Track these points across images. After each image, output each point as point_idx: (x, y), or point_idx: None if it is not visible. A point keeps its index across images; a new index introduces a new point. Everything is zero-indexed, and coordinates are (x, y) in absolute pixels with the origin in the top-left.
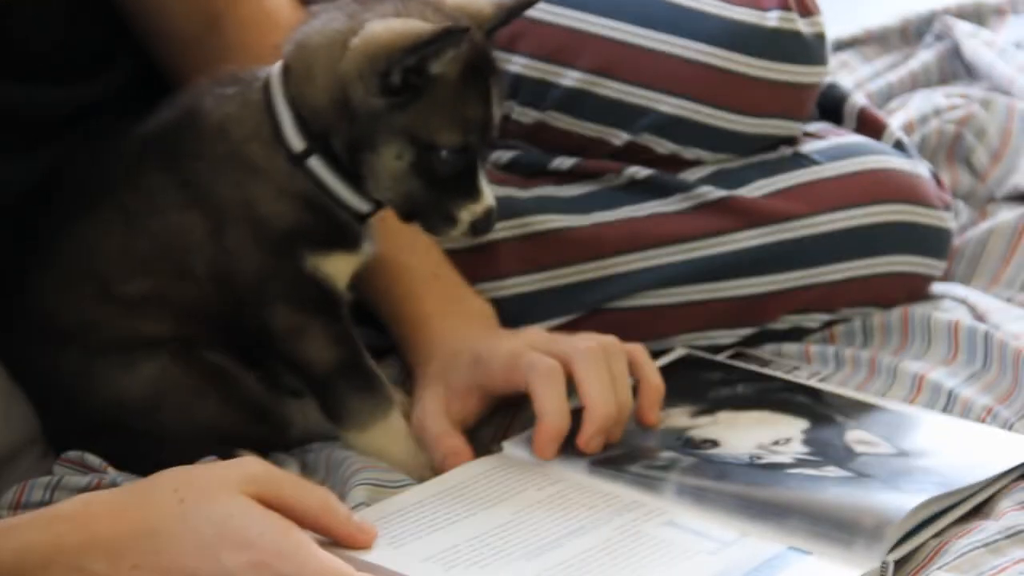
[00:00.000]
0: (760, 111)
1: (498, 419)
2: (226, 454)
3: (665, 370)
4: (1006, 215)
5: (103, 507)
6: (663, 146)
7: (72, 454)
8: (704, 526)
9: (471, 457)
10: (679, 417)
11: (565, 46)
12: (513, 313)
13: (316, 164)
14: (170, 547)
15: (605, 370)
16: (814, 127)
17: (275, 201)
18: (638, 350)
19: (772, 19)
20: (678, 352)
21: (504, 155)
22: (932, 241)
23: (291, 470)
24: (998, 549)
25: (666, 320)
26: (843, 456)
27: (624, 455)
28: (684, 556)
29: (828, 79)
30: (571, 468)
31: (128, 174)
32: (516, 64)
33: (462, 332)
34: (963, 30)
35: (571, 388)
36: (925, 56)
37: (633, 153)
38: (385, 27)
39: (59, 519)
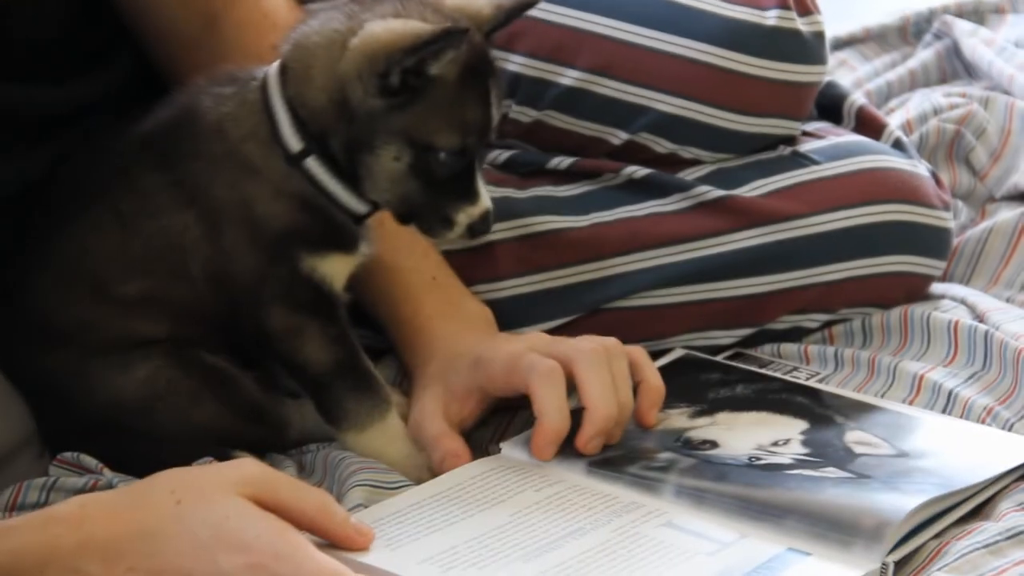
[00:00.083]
0: (759, 110)
1: (496, 421)
2: (223, 455)
3: (664, 371)
4: (1006, 214)
5: (99, 508)
6: (661, 145)
7: (68, 455)
8: (703, 527)
9: (469, 458)
10: (678, 418)
11: (563, 45)
12: (511, 314)
13: (313, 164)
14: (166, 549)
15: (606, 371)
16: (813, 126)
17: (272, 201)
18: (638, 351)
19: (771, 18)
20: (677, 353)
21: (501, 154)
22: (931, 241)
23: (288, 471)
24: (998, 550)
25: (665, 320)
26: (842, 457)
27: (623, 456)
28: (683, 557)
29: (827, 78)
30: (569, 469)
31: (124, 174)
32: (514, 63)
33: (461, 335)
34: (962, 29)
35: (570, 389)
36: (924, 55)
37: (631, 152)
38: (384, 27)
39: (55, 520)
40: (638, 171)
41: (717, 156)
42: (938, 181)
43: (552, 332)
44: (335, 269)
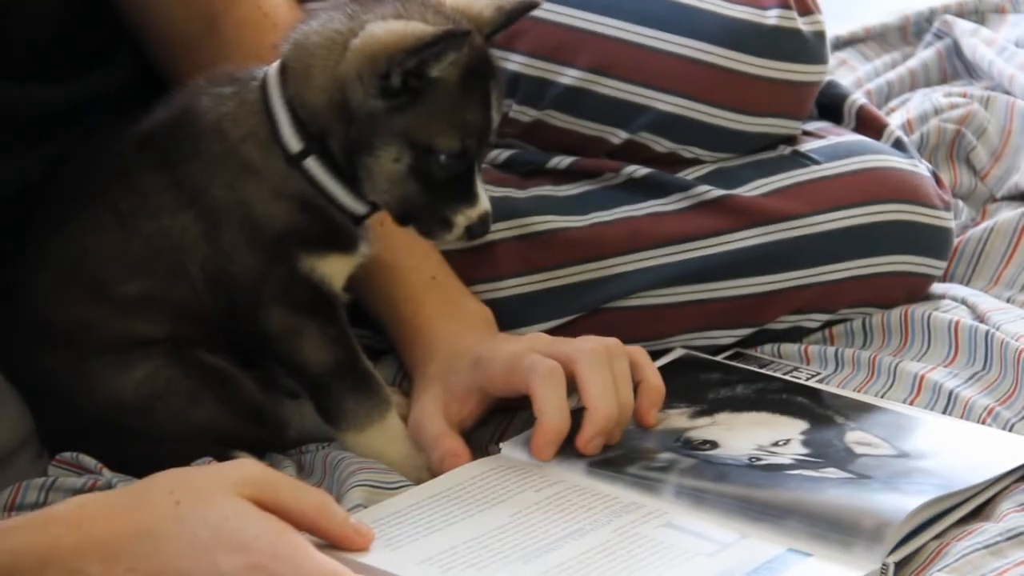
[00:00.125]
0: (759, 110)
1: (496, 421)
2: (222, 455)
3: (664, 371)
4: (1006, 214)
5: (99, 509)
6: (661, 145)
7: (67, 455)
8: (703, 528)
9: (469, 458)
10: (678, 418)
11: (564, 44)
12: (511, 314)
13: (313, 165)
14: (166, 549)
15: (608, 371)
16: (813, 126)
17: (271, 202)
18: (638, 351)
19: (772, 17)
20: (677, 353)
21: (501, 154)
22: (932, 241)
23: (288, 471)
24: (999, 551)
25: (665, 320)
26: (843, 457)
27: (623, 456)
28: (683, 558)
29: (827, 78)
30: (569, 469)
31: (124, 174)
32: (514, 62)
33: (462, 335)
34: (963, 28)
35: (569, 389)
36: (925, 55)
37: (631, 152)
38: (386, 29)
39: (54, 521)
40: (638, 170)
41: (717, 156)
42: (939, 181)
43: (552, 332)
44: (334, 269)
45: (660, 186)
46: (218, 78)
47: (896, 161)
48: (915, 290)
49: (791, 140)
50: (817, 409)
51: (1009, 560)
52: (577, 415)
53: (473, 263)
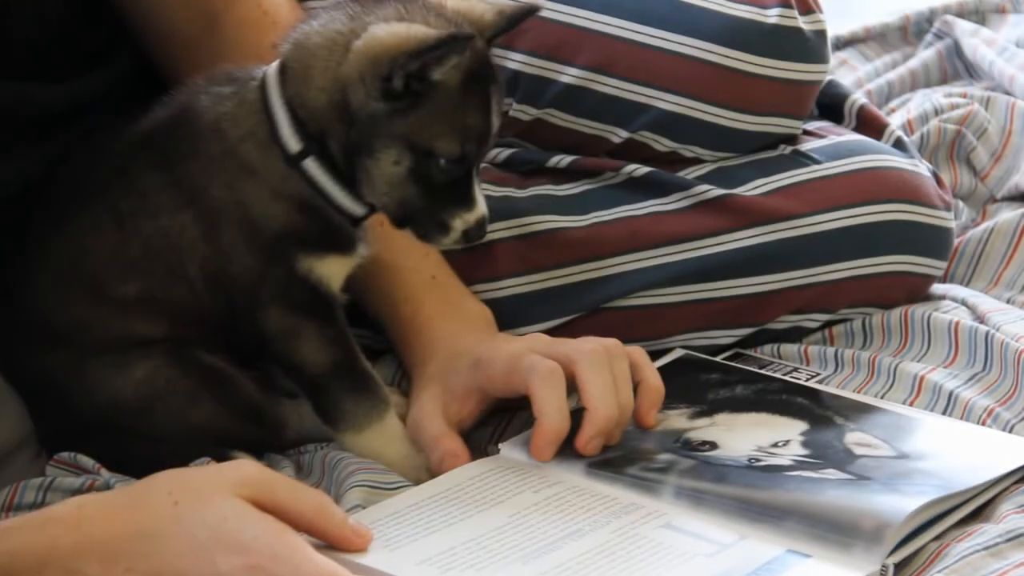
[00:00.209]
0: (760, 109)
1: (495, 421)
2: (221, 455)
3: (663, 371)
4: (1007, 215)
5: (97, 509)
6: (662, 144)
7: (65, 455)
8: (702, 528)
9: (468, 459)
10: (677, 419)
11: (564, 43)
12: (511, 314)
13: (312, 165)
14: (164, 550)
15: (607, 372)
16: (814, 125)
17: (269, 202)
18: (637, 352)
19: (772, 16)
20: (676, 353)
21: (501, 152)
22: (932, 241)
23: (286, 472)
24: (999, 552)
25: (664, 320)
26: (842, 458)
27: (622, 457)
28: (682, 559)
29: (828, 77)
30: (568, 470)
31: (123, 174)
32: (514, 61)
33: (462, 335)
34: (964, 29)
35: (569, 389)
36: (925, 55)
37: (632, 151)
38: (388, 31)
39: (52, 521)
40: (638, 170)
41: (718, 155)
42: (939, 181)
43: (551, 332)
44: (332, 270)
45: (660, 185)
46: (217, 78)
47: (897, 161)
48: (915, 290)
49: (791, 139)
50: (817, 410)
51: (1009, 562)
52: (576, 416)
53: (472, 263)
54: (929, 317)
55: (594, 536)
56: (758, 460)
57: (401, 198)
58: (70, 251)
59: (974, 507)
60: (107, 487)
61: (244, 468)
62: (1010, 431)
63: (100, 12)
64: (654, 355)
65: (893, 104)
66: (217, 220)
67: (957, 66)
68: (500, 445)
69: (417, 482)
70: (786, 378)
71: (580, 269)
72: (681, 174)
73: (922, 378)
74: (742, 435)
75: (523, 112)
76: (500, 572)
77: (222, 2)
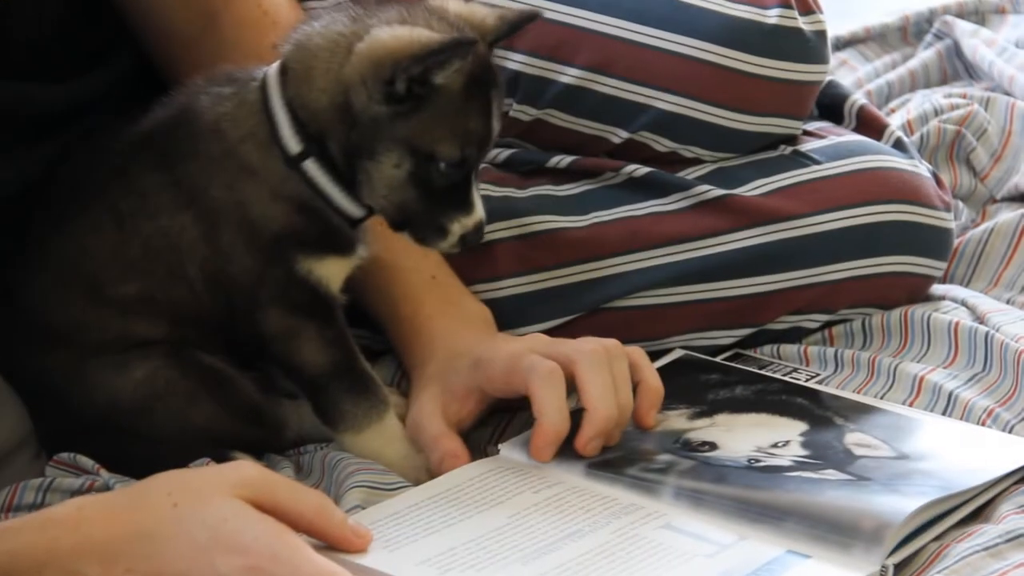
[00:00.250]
0: (760, 109)
1: (495, 422)
2: (220, 456)
3: (663, 372)
4: (1006, 216)
5: (97, 510)
6: (662, 144)
7: (64, 456)
8: (702, 529)
9: (468, 460)
10: (677, 419)
11: (564, 43)
12: (511, 314)
13: (311, 167)
14: (164, 551)
15: (607, 372)
16: (814, 126)
17: (269, 203)
18: (637, 352)
19: (772, 16)
20: (676, 354)
21: (501, 153)
22: (932, 242)
23: (286, 472)
24: (998, 553)
25: (664, 320)
26: (842, 459)
27: (621, 458)
28: (682, 559)
29: (828, 78)
30: (568, 471)
31: (123, 174)
32: (514, 61)
33: (461, 334)
34: (963, 29)
35: (569, 390)
36: (925, 55)
37: (632, 151)
38: (391, 34)
39: (52, 522)
40: (638, 170)
41: (718, 155)
42: (939, 182)
43: (551, 332)
44: (331, 271)
45: (660, 186)
46: (217, 78)
47: (896, 161)
48: (915, 291)
49: (791, 140)
50: (816, 410)
51: (1009, 562)
52: (576, 416)
53: (472, 263)
54: (929, 318)
55: (594, 537)
56: (758, 461)
57: (400, 201)
58: (70, 251)
59: (974, 507)
60: (107, 488)
61: (244, 469)
62: (1010, 431)
63: (100, 12)
64: (654, 355)
65: (893, 104)
66: (217, 221)
67: (957, 67)
68: (500, 446)
69: (417, 482)
70: (786, 379)
71: (580, 269)
72: (681, 174)
73: (922, 379)
74: (742, 436)
75: (523, 112)
76: (500, 573)
77: (221, 1)
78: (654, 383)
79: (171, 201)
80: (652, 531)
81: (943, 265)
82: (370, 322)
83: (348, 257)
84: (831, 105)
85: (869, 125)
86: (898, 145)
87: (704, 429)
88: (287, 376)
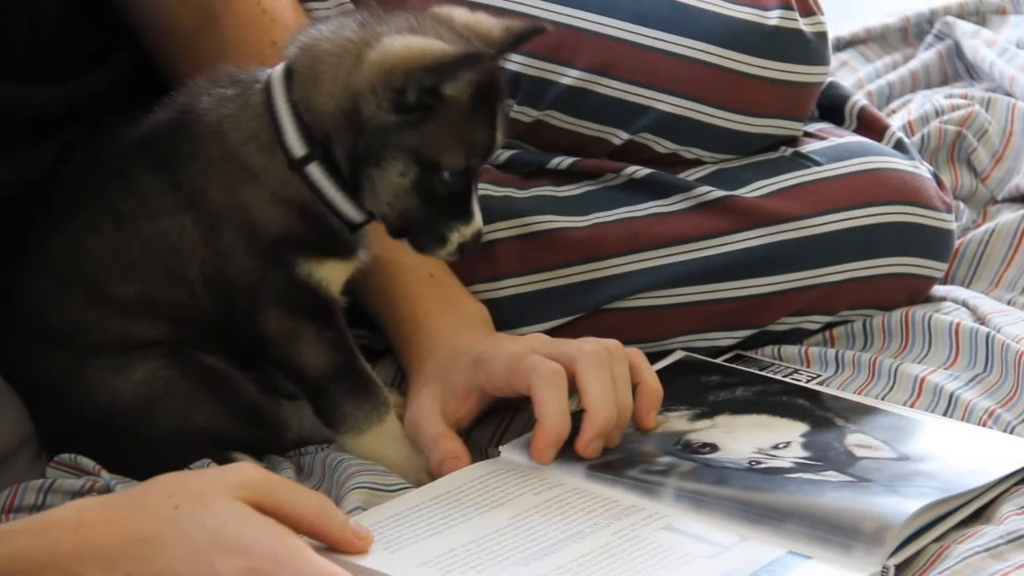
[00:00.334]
0: (761, 111)
1: (495, 422)
2: (221, 457)
3: (664, 373)
4: (1007, 216)
5: (97, 513)
6: (663, 145)
7: (65, 457)
8: (703, 530)
9: (469, 460)
10: (678, 421)
11: (564, 44)
12: (511, 314)
13: (315, 171)
14: (164, 553)
15: (607, 373)
16: (814, 127)
17: (269, 206)
18: (635, 354)
19: (773, 18)
20: (677, 355)
21: (502, 154)
22: (933, 243)
23: (287, 473)
24: (1000, 554)
25: (665, 321)
26: (843, 460)
27: (622, 460)
28: (683, 560)
29: (829, 79)
30: (569, 472)
31: (123, 175)
32: (515, 62)
33: (460, 333)
34: (964, 30)
35: (570, 391)
36: (926, 56)
37: (632, 152)
38: (404, 44)
39: (53, 525)
40: (639, 171)
41: (718, 156)
42: (940, 183)
43: (552, 332)
44: (331, 274)
45: (661, 187)
46: (219, 79)
47: (897, 163)
48: (916, 292)
49: (792, 141)
50: (817, 411)
51: (1010, 563)
52: (576, 418)
53: (473, 263)
54: (930, 319)
55: (595, 538)
56: (759, 463)
57: (403, 208)
58: (70, 252)
59: (975, 508)
60: (107, 489)
61: (244, 471)
62: (1011, 432)
63: (100, 12)
64: (655, 356)
65: (894, 105)
66: (216, 223)
67: (958, 67)
68: (500, 447)
69: (417, 484)
70: (787, 380)
71: (581, 269)
72: (682, 176)
73: (923, 380)
74: (743, 437)
75: (524, 114)
76: (501, 574)
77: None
78: (653, 384)
79: (171, 203)
80: (653, 532)
81: (944, 266)
82: (370, 322)
83: (349, 260)
84: (832, 106)
85: (870, 126)
86: (899, 146)
87: (705, 431)
88: (287, 378)
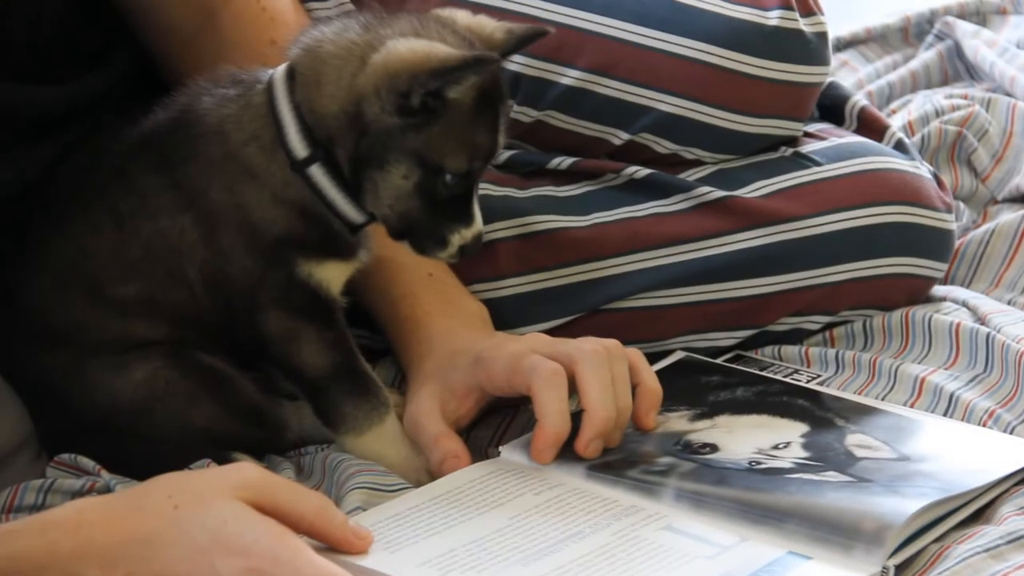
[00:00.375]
0: (761, 111)
1: (496, 422)
2: (221, 457)
3: (664, 373)
4: (1008, 217)
5: (97, 513)
6: (663, 146)
7: (65, 457)
8: (703, 531)
9: (469, 460)
10: (678, 421)
11: (565, 44)
12: (511, 313)
13: (316, 172)
14: (164, 554)
15: (607, 373)
16: (815, 127)
17: (269, 207)
18: (635, 354)
19: (773, 18)
20: (677, 355)
21: (502, 154)
22: (933, 243)
23: (287, 473)
24: (1000, 554)
25: (665, 321)
26: (843, 461)
27: (622, 460)
28: (682, 561)
29: (829, 79)
30: (569, 473)
31: (123, 175)
32: (515, 63)
33: (459, 332)
34: (964, 30)
35: (570, 391)
36: (926, 56)
37: (632, 152)
38: (409, 47)
39: (53, 525)
40: (639, 171)
41: (719, 157)
42: (940, 183)
43: (552, 332)
44: (332, 275)
45: (661, 187)
46: (220, 79)
47: (897, 163)
48: (916, 292)
49: (792, 141)
50: (817, 412)
51: (1010, 563)
52: (576, 418)
53: (473, 262)
54: (930, 319)
55: (595, 538)
56: (759, 463)
57: (404, 211)
58: (70, 252)
59: (975, 509)
60: (107, 489)
61: (244, 471)
62: (1011, 433)
63: (100, 12)
64: (655, 356)
65: (894, 105)
66: (216, 223)
67: (958, 67)
68: (500, 448)
69: (417, 484)
70: (787, 380)
71: (581, 269)
72: (682, 176)
73: (923, 380)
74: (743, 437)
75: (524, 114)
76: (501, 574)
77: None
78: (653, 385)
79: (171, 203)
80: (653, 533)
81: (944, 266)
82: (370, 322)
83: (349, 261)
84: (832, 106)
85: (870, 126)
86: (899, 146)
87: (705, 431)
88: (287, 378)
